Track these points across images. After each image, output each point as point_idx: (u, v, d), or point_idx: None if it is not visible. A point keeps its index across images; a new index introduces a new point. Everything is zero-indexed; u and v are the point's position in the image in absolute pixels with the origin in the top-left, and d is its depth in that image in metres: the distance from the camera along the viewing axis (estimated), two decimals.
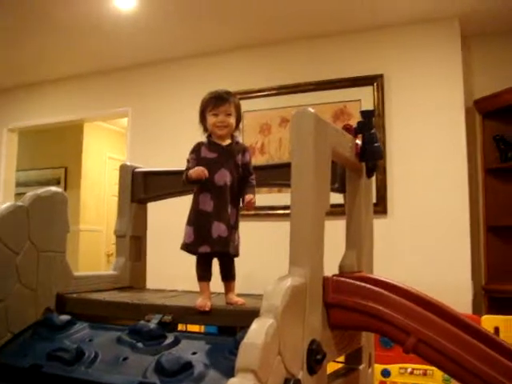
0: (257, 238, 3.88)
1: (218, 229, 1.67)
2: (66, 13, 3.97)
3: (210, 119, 1.74)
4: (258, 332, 1.14)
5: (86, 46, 4.62)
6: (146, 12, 3.99)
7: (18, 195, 5.27)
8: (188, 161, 1.74)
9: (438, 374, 2.74)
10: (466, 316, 1.48)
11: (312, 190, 1.42)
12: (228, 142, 1.77)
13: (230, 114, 1.75)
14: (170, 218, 4.08)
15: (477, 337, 1.38)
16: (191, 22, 4.15)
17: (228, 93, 1.78)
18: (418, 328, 1.38)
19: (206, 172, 1.66)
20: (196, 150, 1.75)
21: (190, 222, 1.71)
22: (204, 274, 1.72)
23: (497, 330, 2.89)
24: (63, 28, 4.25)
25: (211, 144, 1.75)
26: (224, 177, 1.70)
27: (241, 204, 1.75)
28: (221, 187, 1.69)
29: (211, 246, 1.67)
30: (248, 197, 1.70)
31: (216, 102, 1.74)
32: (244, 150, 1.80)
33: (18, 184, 6.10)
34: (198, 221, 1.69)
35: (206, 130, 1.80)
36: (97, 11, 3.96)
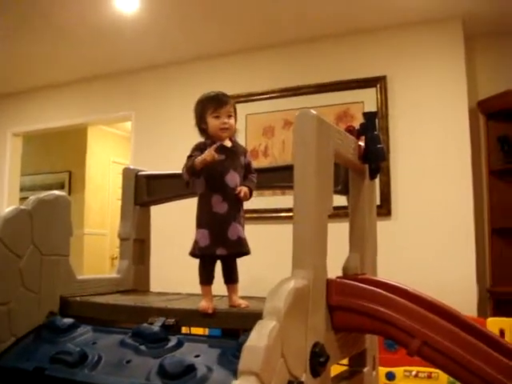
0: (260, 240, 3.86)
1: (236, 230, 1.67)
2: (68, 17, 3.99)
3: (212, 122, 1.72)
4: (260, 334, 1.13)
5: (88, 50, 4.64)
6: (149, 16, 4.00)
7: (23, 200, 5.28)
8: (191, 156, 1.70)
9: (443, 376, 2.73)
10: (471, 318, 1.47)
11: (315, 192, 1.42)
12: (230, 143, 1.76)
13: (231, 116, 1.75)
14: (173, 222, 4.09)
15: (482, 339, 1.37)
16: (193, 25, 4.16)
17: (225, 94, 1.78)
18: (422, 330, 1.37)
19: (215, 154, 1.63)
20: (201, 148, 1.71)
21: (203, 225, 1.68)
22: (207, 277, 1.71)
23: (502, 332, 2.88)
24: (66, 32, 4.26)
25: (217, 146, 1.73)
26: (235, 178, 1.70)
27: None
28: (233, 189, 1.68)
29: (228, 248, 1.66)
30: (239, 188, 1.68)
31: (217, 104, 1.73)
32: (245, 151, 1.81)
33: (23, 189, 6.11)
34: (213, 223, 1.67)
35: (203, 132, 1.77)
36: (99, 15, 3.98)
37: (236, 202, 1.69)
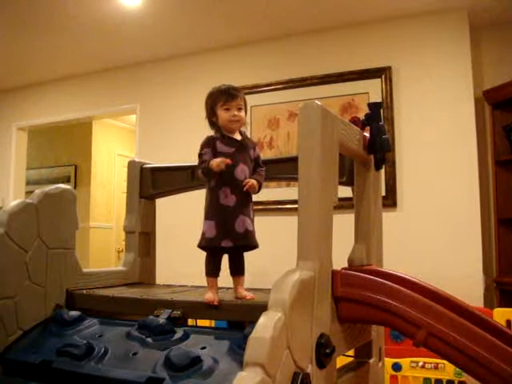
0: (266, 232, 3.86)
1: (244, 223, 1.67)
2: (71, 10, 3.99)
3: (222, 114, 1.73)
4: (266, 326, 1.13)
5: (93, 43, 4.64)
6: (152, 9, 3.99)
7: (29, 193, 5.30)
8: (201, 154, 1.71)
9: (450, 367, 2.72)
10: (477, 309, 1.46)
11: (319, 184, 1.41)
12: (239, 136, 1.76)
13: (241, 108, 1.75)
14: (179, 215, 4.10)
15: (488, 330, 1.37)
16: (197, 17, 4.15)
17: (236, 87, 1.78)
18: (428, 321, 1.37)
19: (228, 160, 1.64)
20: (210, 143, 1.72)
21: (209, 217, 1.69)
22: (214, 270, 1.72)
23: (508, 322, 2.87)
24: (70, 26, 4.26)
25: (226, 138, 1.73)
26: (244, 171, 1.70)
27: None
28: (242, 182, 1.68)
29: (234, 240, 1.66)
30: (246, 180, 1.68)
31: (228, 97, 1.73)
32: (254, 145, 1.81)
33: (29, 182, 6.13)
34: (219, 215, 1.67)
35: (213, 125, 1.77)
36: (103, 9, 3.97)
37: (245, 195, 1.69)
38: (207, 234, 1.68)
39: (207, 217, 1.70)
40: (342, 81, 4.19)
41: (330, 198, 1.48)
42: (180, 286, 2.23)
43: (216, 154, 1.68)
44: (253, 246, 1.71)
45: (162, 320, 1.61)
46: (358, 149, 1.71)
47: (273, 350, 1.11)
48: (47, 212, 1.90)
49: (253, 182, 1.69)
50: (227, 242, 1.66)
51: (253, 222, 1.72)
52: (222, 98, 1.74)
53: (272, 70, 4.47)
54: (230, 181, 1.68)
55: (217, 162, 1.64)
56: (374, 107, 1.78)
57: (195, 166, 1.77)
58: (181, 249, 3.74)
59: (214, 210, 1.69)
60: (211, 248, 1.70)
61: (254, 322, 1.17)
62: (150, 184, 2.40)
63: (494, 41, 4.20)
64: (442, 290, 1.48)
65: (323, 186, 1.42)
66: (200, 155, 1.72)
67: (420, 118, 3.97)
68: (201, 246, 1.70)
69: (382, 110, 1.83)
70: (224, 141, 1.72)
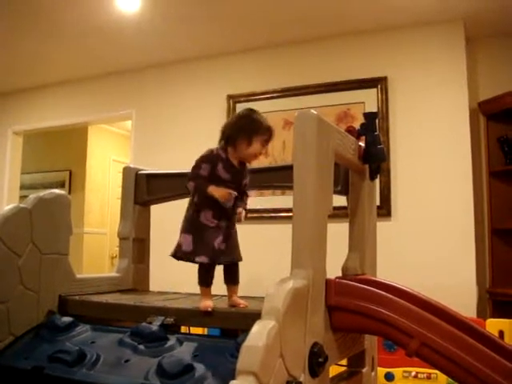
0: (261, 240, 3.88)
1: (223, 239, 1.68)
2: (69, 15, 3.98)
3: (257, 147, 1.71)
4: (259, 334, 1.13)
5: (89, 48, 4.63)
6: (150, 14, 4.00)
7: (23, 198, 5.27)
8: (199, 167, 1.69)
9: (442, 377, 2.72)
10: (470, 319, 1.47)
11: (314, 192, 1.41)
12: (237, 164, 1.75)
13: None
14: (173, 221, 4.09)
15: (481, 340, 1.37)
16: (195, 24, 4.15)
17: None
18: (421, 331, 1.37)
19: (233, 198, 1.66)
20: (212, 161, 1.70)
21: (187, 231, 1.70)
22: (206, 280, 1.71)
23: (501, 333, 2.87)
24: (67, 31, 4.26)
25: (228, 163, 1.71)
26: (232, 199, 1.70)
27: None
28: (227, 209, 1.69)
29: (211, 257, 1.66)
30: (239, 210, 1.71)
31: (270, 138, 1.75)
32: (247, 173, 1.79)
33: (23, 187, 6.10)
34: (198, 232, 1.68)
35: (231, 141, 1.71)
36: (100, 14, 3.97)
37: (229, 217, 1.71)
38: (184, 247, 1.68)
39: (185, 230, 1.71)
40: (338, 90, 4.19)
41: (325, 207, 1.48)
42: (173, 293, 2.23)
43: (213, 176, 1.68)
44: (234, 262, 1.72)
45: (154, 327, 1.60)
46: (353, 158, 1.72)
47: (266, 359, 1.10)
48: (41, 217, 1.89)
49: (244, 213, 1.71)
50: (203, 258, 1.66)
51: (234, 238, 1.73)
52: (267, 134, 1.73)
53: (268, 78, 4.48)
54: (215, 205, 1.67)
55: (225, 194, 1.65)
56: (370, 117, 1.79)
57: (187, 173, 1.74)
58: None
59: (192, 226, 1.70)
60: (187, 261, 1.70)
61: (247, 330, 1.17)
62: (145, 190, 2.40)
63: (489, 52, 4.22)
64: (435, 300, 1.48)
65: (318, 194, 1.43)
66: (197, 167, 1.70)
67: (415, 128, 3.98)
68: (175, 256, 1.71)
69: (377, 120, 1.84)
70: (226, 165, 1.71)
